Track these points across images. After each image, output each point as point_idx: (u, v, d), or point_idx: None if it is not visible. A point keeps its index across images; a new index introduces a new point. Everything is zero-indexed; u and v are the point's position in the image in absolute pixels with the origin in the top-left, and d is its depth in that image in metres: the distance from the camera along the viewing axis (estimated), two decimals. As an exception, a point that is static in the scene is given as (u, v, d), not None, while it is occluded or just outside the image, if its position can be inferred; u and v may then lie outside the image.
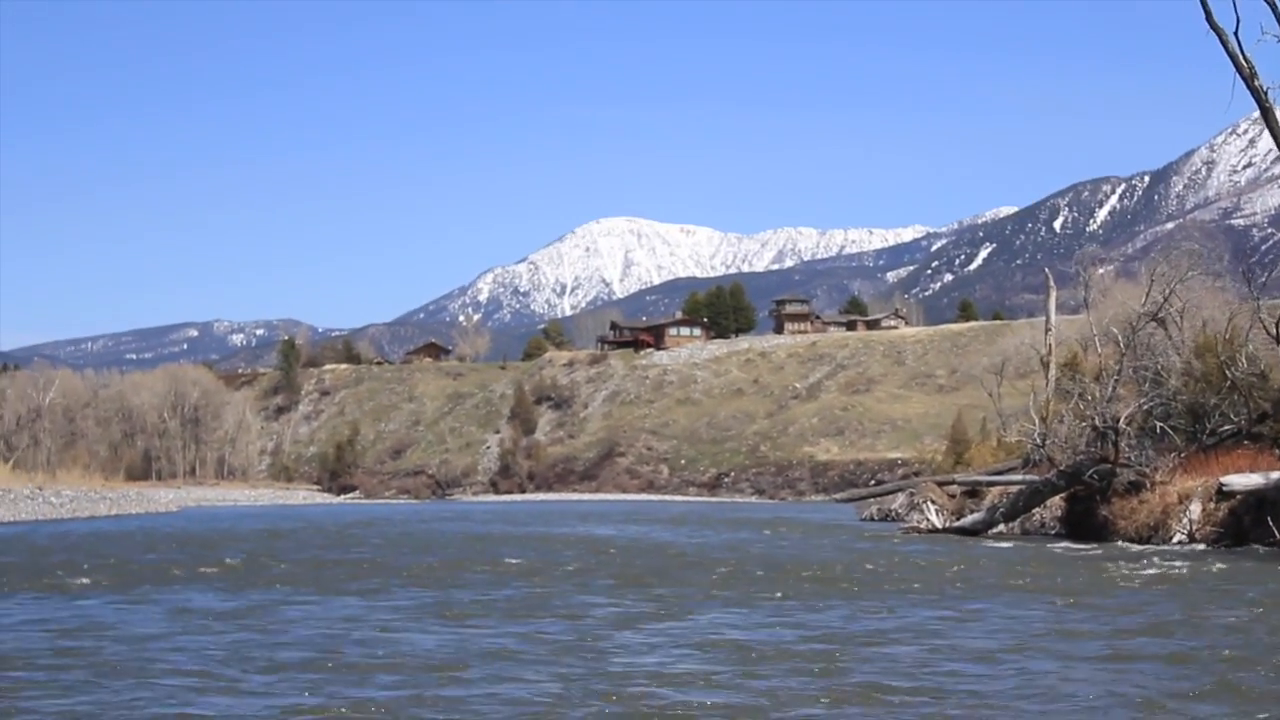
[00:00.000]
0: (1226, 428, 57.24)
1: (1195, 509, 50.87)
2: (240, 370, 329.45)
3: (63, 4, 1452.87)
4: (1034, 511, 63.07)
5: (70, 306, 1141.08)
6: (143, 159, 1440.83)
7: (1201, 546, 48.87)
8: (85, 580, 36.74)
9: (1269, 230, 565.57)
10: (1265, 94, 51.16)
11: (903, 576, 38.20)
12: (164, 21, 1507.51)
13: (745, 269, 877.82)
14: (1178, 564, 41.24)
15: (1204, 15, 51.62)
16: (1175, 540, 50.55)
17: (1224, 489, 46.67)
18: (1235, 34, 50.75)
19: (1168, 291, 62.27)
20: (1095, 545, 52.83)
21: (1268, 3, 51.62)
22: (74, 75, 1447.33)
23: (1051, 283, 78.26)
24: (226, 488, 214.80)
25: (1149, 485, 54.70)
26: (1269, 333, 54.17)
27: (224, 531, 71.64)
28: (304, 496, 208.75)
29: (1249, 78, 51.07)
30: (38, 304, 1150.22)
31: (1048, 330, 75.95)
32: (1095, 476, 56.01)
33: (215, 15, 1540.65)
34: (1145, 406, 56.84)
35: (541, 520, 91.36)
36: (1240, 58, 50.96)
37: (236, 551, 51.49)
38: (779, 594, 32.84)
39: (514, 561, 45.47)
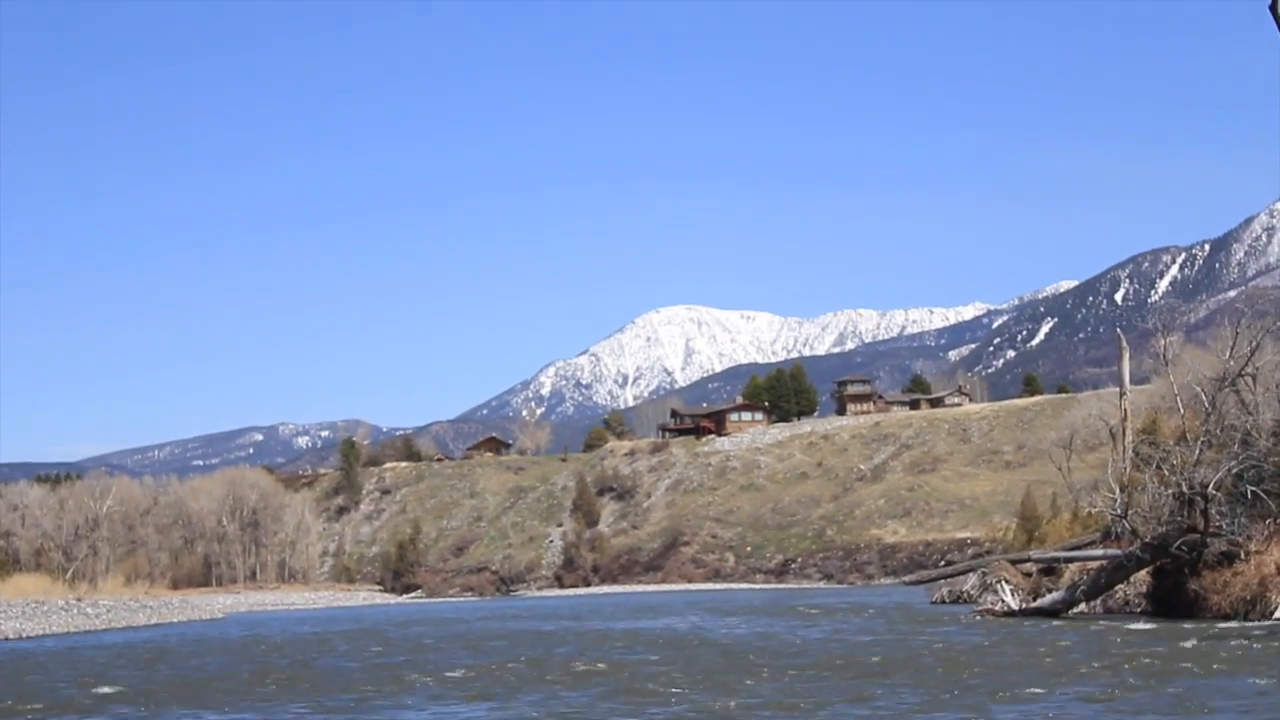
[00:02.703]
0: (1325, 490, 53.05)
1: (1298, 580, 46.59)
2: (302, 472, 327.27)
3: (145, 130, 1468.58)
4: (1117, 588, 58.90)
5: (135, 415, 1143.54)
6: (204, 270, 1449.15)
7: (1309, 621, 44.50)
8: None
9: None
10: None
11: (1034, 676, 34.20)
12: (215, 143, 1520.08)
13: (806, 353, 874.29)
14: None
15: (1269, 4, 47.76)
16: (1278, 614, 46.14)
17: (1331, 556, 42.28)
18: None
19: (1255, 344, 58.11)
20: (1186, 623, 48.55)
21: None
22: (142, 191, 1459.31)
23: (1124, 344, 74.19)
24: (286, 591, 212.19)
25: (1243, 555, 50.47)
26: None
27: (248, 642, 68.38)
28: (364, 598, 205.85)
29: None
30: (102, 414, 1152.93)
31: (1122, 394, 71.89)
32: (1183, 548, 51.80)
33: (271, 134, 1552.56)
34: (1235, 470, 52.31)
35: (605, 615, 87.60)
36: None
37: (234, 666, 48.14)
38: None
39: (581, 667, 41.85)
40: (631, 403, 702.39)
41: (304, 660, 50.68)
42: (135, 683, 41.69)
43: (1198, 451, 54.31)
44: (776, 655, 42.55)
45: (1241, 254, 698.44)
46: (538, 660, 44.84)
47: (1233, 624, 46.74)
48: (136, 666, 49.64)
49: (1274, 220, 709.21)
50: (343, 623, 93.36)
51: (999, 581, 65.42)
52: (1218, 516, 51.04)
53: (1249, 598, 48.90)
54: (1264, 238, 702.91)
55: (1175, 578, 53.81)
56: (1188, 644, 39.13)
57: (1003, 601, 61.66)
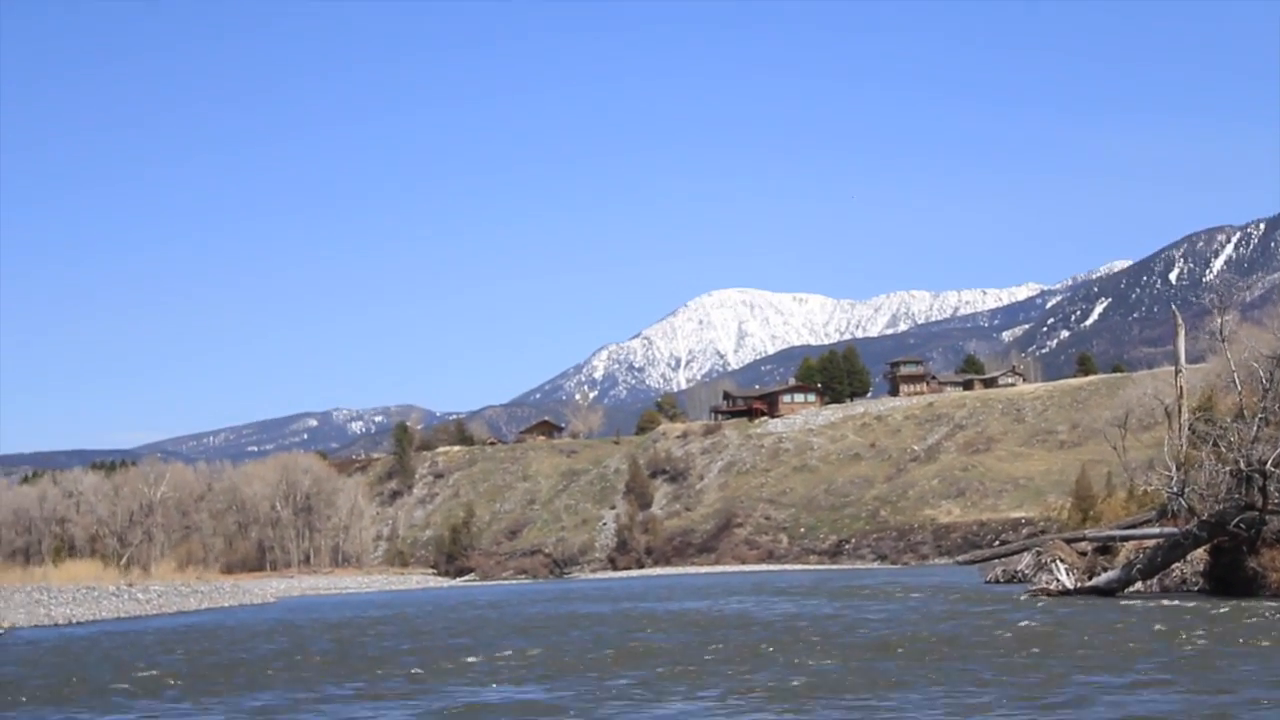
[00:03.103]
0: (1386, 465, 52.19)
1: (1358, 556, 45.85)
2: (355, 457, 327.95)
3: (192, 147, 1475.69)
4: (1173, 567, 58.14)
5: (191, 401, 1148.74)
6: (260, 257, 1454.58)
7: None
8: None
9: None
10: None
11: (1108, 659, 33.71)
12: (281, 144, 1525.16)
13: (859, 334, 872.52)
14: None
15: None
16: (1338, 592, 45.48)
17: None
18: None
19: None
20: (1245, 601, 47.87)
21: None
22: (204, 180, 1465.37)
23: (1179, 320, 73.32)
24: (340, 575, 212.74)
25: (1302, 533, 49.72)
26: None
27: (299, 625, 68.32)
28: (417, 581, 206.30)
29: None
30: (158, 401, 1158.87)
31: (1178, 371, 71.00)
32: (1242, 525, 51.05)
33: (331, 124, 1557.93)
34: (1294, 446, 51.56)
35: (658, 597, 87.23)
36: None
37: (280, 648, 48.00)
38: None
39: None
40: (684, 386, 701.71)
41: (355, 641, 50.58)
42: (182, 666, 41.66)
43: (1255, 428, 53.59)
44: (831, 635, 42.16)
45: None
46: (591, 642, 44.57)
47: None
48: (185, 650, 49.63)
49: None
50: (394, 606, 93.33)
51: (1054, 560, 64.71)
52: (1276, 493, 50.27)
53: (1309, 576, 48.25)
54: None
55: (1233, 555, 53.07)
56: (1249, 621, 38.55)
57: (1057, 580, 60.96)
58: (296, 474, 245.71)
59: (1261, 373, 58.19)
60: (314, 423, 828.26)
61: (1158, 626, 38.92)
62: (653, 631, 48.79)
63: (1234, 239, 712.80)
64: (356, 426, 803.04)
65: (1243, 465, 50.87)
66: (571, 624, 56.46)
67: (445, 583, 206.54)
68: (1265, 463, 49.85)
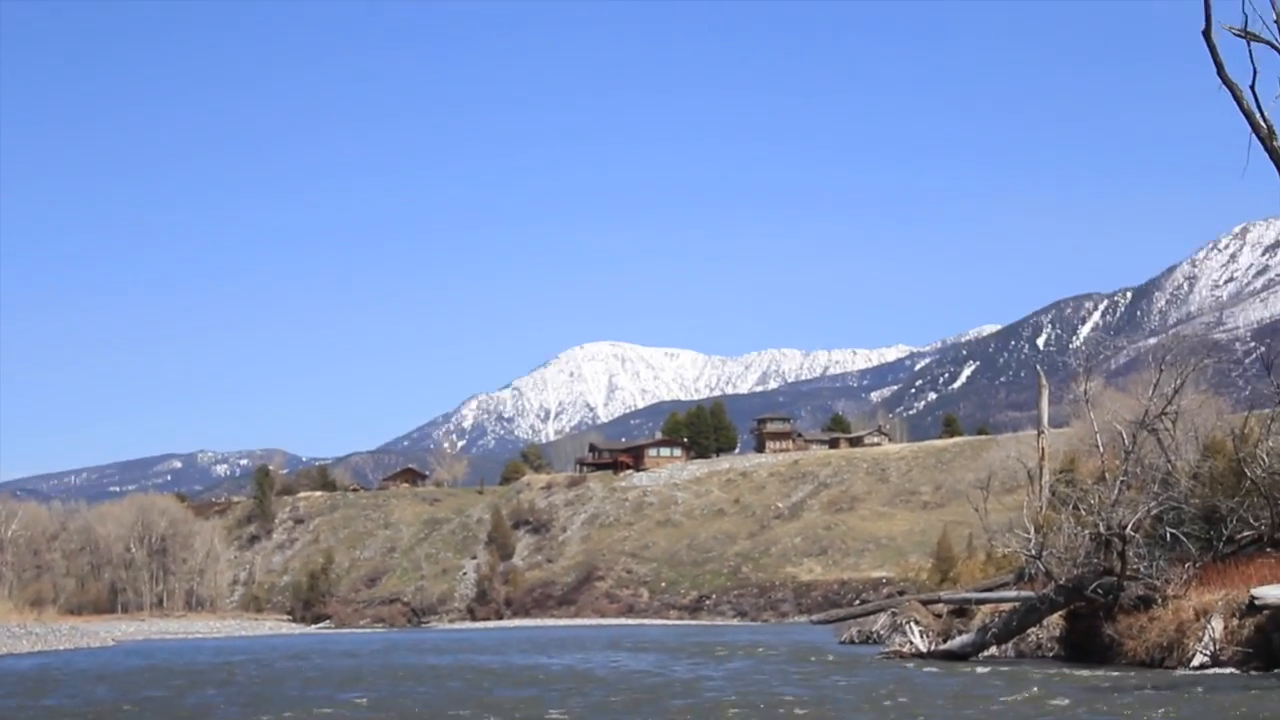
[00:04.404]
0: (1246, 534, 50.90)
1: (1217, 626, 44.20)
2: (215, 500, 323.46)
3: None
4: (1029, 632, 56.71)
5: (52, 439, 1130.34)
6: (127, 297, 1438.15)
7: (1229, 671, 41.98)
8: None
9: (1251, 344, 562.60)
10: (1287, 156, 45.01)
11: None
12: (127, 151, 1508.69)
13: (729, 391, 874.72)
14: (1210, 692, 34.84)
15: (1215, 69, 45.90)
16: (1195, 663, 43.82)
17: (1255, 602, 39.74)
18: (1251, 88, 44.98)
19: (1180, 382, 56.22)
20: (1100, 669, 46.28)
21: (1282, 55, 45.78)
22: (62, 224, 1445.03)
23: (1044, 381, 72.19)
24: (192, 619, 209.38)
25: (1160, 600, 48.22)
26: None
27: (129, 671, 65.42)
28: (270, 627, 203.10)
29: (1267, 138, 45.16)
30: (16, 438, 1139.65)
31: (1040, 432, 69.89)
32: (1099, 591, 49.54)
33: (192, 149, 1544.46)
34: (1154, 511, 50.09)
35: (509, 650, 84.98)
36: (1257, 116, 45.12)
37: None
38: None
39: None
40: (553, 437, 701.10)
41: (173, 692, 47.94)
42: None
43: (1116, 491, 52.28)
44: (667, 694, 40.18)
45: (1163, 302, 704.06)
46: (420, 698, 42.31)
47: (1148, 672, 44.48)
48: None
49: (1196, 270, 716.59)
50: (236, 652, 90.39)
51: (908, 622, 63.12)
52: (1135, 559, 48.80)
53: (1166, 644, 46.66)
54: (1185, 286, 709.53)
55: (1090, 621, 51.63)
56: (1094, 694, 36.90)
57: (911, 643, 59.31)
58: (153, 515, 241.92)
59: (1124, 435, 56.93)
60: (178, 464, 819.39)
61: (976, 693, 37.20)
62: (490, 686, 46.67)
63: (1101, 306, 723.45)
64: (221, 469, 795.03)
65: (1102, 529, 49.39)
66: (412, 676, 54.14)
67: (299, 630, 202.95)
68: (1125, 527, 48.38)
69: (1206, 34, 46.63)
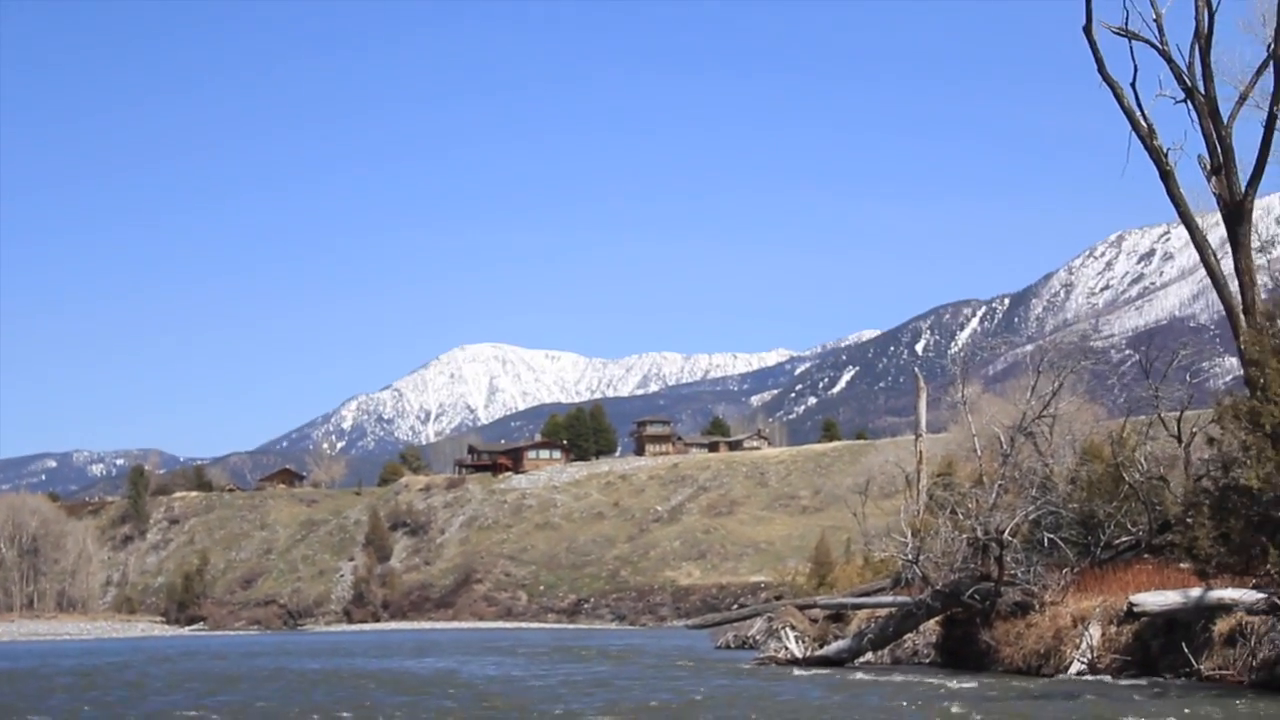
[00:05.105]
0: (1124, 539, 50.44)
1: (1094, 633, 43.55)
2: (89, 500, 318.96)
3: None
4: (906, 638, 55.96)
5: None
6: (6, 290, 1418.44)
7: (1107, 678, 41.30)
8: None
9: (1127, 351, 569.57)
10: (1165, 156, 44.67)
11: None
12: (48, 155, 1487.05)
13: (610, 394, 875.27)
14: (1086, 700, 34.14)
15: (1096, 66, 45.52)
16: (1072, 670, 43.14)
17: (1133, 609, 39.07)
18: (1132, 85, 44.56)
19: (1058, 385, 55.74)
20: (976, 676, 45.53)
21: (1163, 57, 45.42)
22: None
23: (922, 383, 71.56)
24: (63, 621, 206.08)
25: (1037, 606, 47.54)
26: (1171, 433, 47.41)
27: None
28: (142, 629, 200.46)
29: (1147, 137, 44.77)
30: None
31: (918, 435, 69.18)
32: (976, 596, 48.82)
33: (99, 148, 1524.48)
34: (1032, 516, 49.44)
35: (376, 654, 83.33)
36: (1137, 114, 44.73)
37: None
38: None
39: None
40: (434, 439, 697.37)
41: (22, 699, 46.12)
42: None
43: (994, 495, 51.60)
44: (525, 699, 39.04)
45: (1040, 309, 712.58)
46: (270, 708, 40.83)
47: (1024, 679, 43.81)
48: None
49: (1072, 277, 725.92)
50: (97, 655, 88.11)
51: (784, 627, 62.34)
52: (1013, 564, 48.11)
53: (1043, 651, 45.98)
54: (1062, 294, 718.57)
55: (966, 628, 50.93)
56: (970, 702, 36.12)
57: (786, 648, 58.35)
58: (24, 515, 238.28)
59: (1002, 439, 56.38)
60: (53, 464, 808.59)
61: (848, 701, 36.34)
62: (351, 691, 45.26)
63: (979, 312, 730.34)
64: (97, 469, 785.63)
65: (979, 534, 48.69)
66: (270, 680, 52.54)
67: (171, 631, 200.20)
68: (1002, 531, 47.69)
69: (1087, 30, 46.48)
